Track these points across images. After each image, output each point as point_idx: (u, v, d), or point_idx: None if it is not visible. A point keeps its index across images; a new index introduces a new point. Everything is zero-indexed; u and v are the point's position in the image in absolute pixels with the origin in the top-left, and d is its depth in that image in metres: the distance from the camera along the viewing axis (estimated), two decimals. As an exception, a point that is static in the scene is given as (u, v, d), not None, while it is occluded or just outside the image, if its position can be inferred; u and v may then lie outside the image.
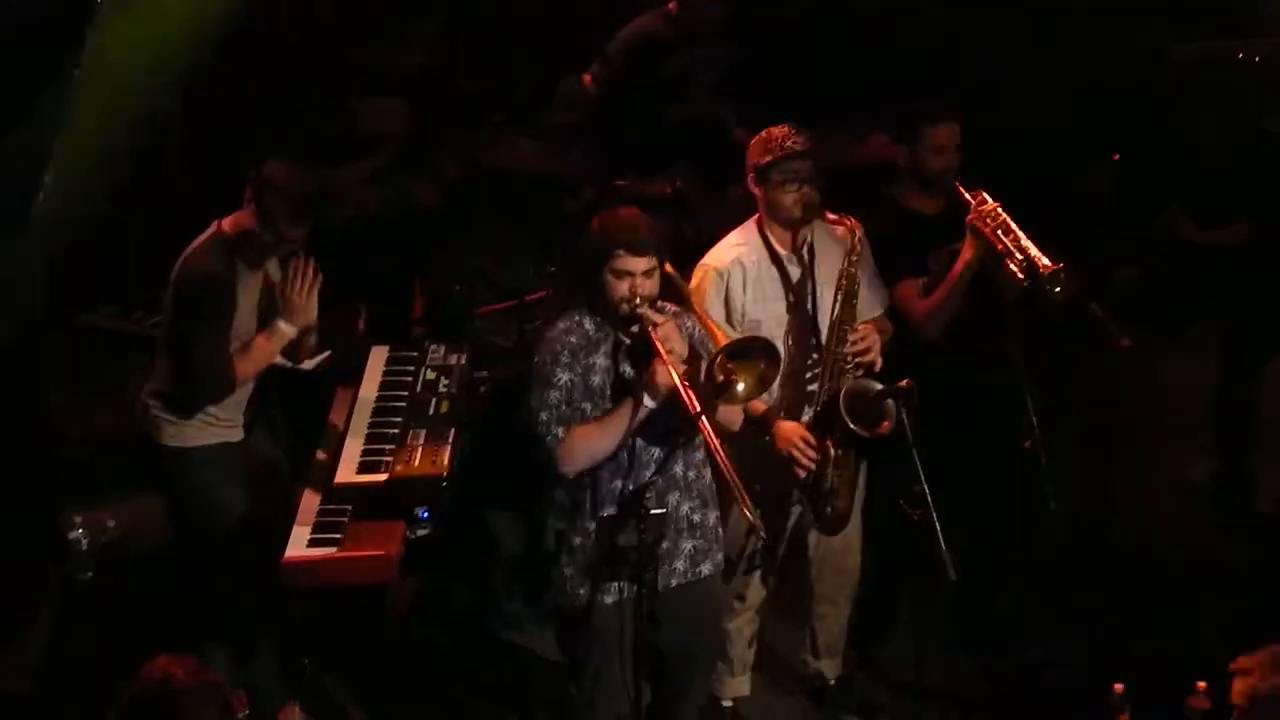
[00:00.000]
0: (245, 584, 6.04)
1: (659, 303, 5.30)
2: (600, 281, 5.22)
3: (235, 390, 5.89)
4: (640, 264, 5.17)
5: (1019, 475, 6.18)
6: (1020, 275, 5.94)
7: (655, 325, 5.12)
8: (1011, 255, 5.97)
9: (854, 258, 5.80)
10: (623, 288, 5.18)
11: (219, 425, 6.00)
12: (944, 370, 6.12)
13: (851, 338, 5.81)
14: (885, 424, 5.63)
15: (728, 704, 6.35)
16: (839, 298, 5.80)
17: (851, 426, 5.69)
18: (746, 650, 6.30)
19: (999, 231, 5.99)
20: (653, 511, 5.15)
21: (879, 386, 5.69)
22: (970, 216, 6.04)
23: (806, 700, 6.48)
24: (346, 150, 8.01)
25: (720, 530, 5.54)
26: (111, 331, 7.23)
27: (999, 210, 6.02)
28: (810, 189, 5.78)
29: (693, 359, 5.23)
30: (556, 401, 5.19)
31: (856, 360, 5.83)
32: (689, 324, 5.46)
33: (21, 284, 6.70)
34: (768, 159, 5.80)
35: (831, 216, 5.79)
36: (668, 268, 5.46)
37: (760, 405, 5.74)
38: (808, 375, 5.87)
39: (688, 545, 5.41)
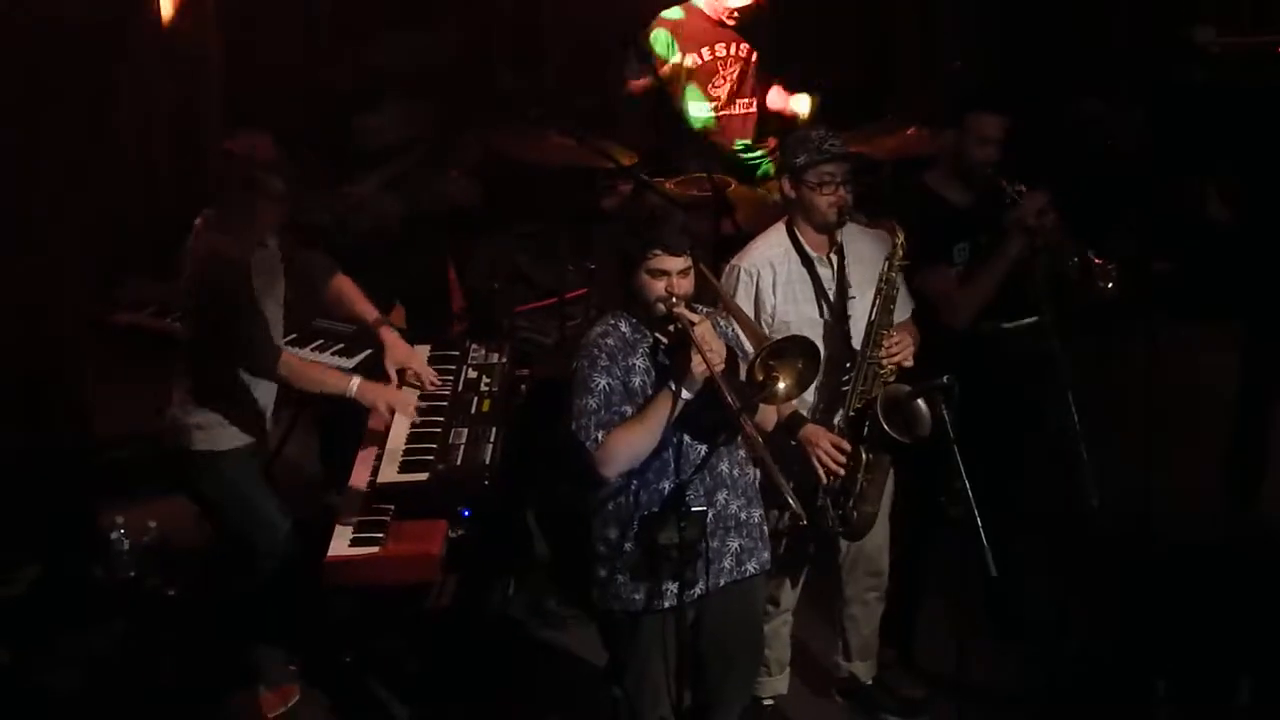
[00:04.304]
0: (286, 584, 6.07)
1: (693, 303, 5.31)
2: (636, 281, 5.23)
3: (277, 368, 5.93)
4: (676, 263, 5.17)
5: (1059, 471, 6.17)
6: (1072, 267, 5.99)
7: (693, 324, 5.12)
8: (1060, 250, 6.00)
9: (896, 263, 5.77)
10: (659, 287, 5.18)
11: (247, 426, 6.04)
12: (984, 366, 6.12)
13: (886, 343, 5.80)
14: (920, 430, 5.61)
15: (767, 702, 6.34)
16: (877, 302, 5.77)
17: (890, 432, 5.68)
18: (784, 650, 6.29)
19: (1049, 227, 6.02)
20: (694, 509, 5.15)
21: (912, 388, 5.67)
22: (1019, 212, 6.06)
23: (844, 701, 6.47)
24: (353, 165, 8.03)
25: (765, 529, 5.54)
26: (152, 331, 7.24)
27: (1049, 206, 6.03)
28: (846, 192, 5.76)
29: (730, 358, 5.23)
30: (595, 407, 5.19)
31: (891, 364, 5.81)
32: (724, 323, 5.46)
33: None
34: (804, 161, 5.79)
35: (868, 222, 5.78)
36: (702, 267, 5.46)
37: (788, 407, 5.73)
38: (839, 378, 5.86)
39: (734, 544, 5.41)
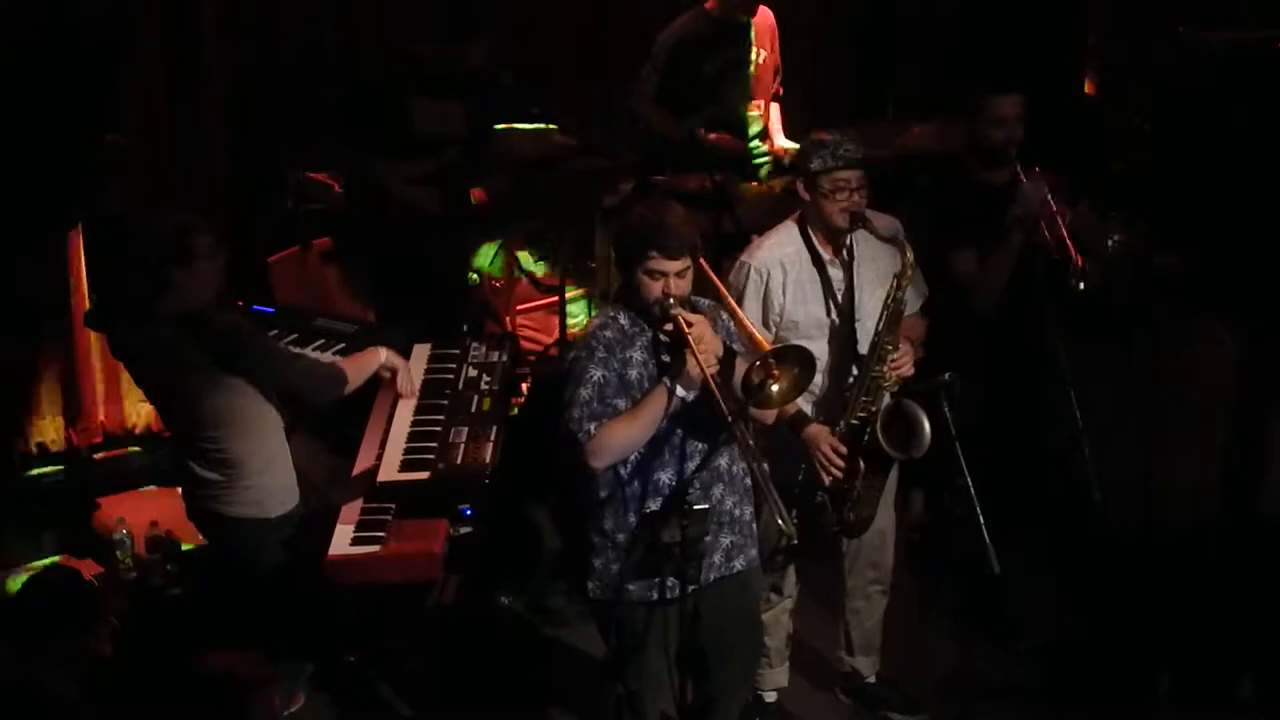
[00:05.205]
0: (290, 584, 6.07)
1: (693, 299, 5.31)
2: (634, 281, 5.23)
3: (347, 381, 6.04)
4: (674, 265, 5.16)
5: (1062, 467, 6.17)
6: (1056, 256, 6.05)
7: (689, 325, 5.12)
8: (1046, 241, 6.04)
9: (904, 281, 5.72)
10: (656, 288, 5.18)
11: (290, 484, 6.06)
12: (988, 363, 6.12)
13: (891, 357, 5.78)
14: (915, 450, 5.62)
15: (770, 699, 6.34)
16: (884, 317, 5.75)
17: (889, 452, 5.70)
18: (784, 642, 6.29)
19: (1046, 213, 6.06)
20: (695, 507, 5.15)
21: (912, 404, 5.67)
22: (1018, 204, 6.09)
23: (847, 699, 6.47)
24: (398, 148, 8.03)
25: (755, 526, 5.55)
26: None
27: (1048, 197, 6.05)
28: (859, 197, 5.74)
29: (726, 357, 5.24)
30: (587, 399, 5.19)
31: (895, 376, 5.80)
32: (724, 319, 5.46)
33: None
34: (818, 166, 5.76)
35: (879, 227, 5.75)
36: (703, 263, 5.46)
37: (792, 406, 5.73)
38: (845, 379, 5.85)
39: (726, 540, 5.42)
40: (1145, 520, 6.39)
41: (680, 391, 5.14)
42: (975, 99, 6.34)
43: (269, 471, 5.92)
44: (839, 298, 5.87)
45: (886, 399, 5.78)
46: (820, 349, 5.82)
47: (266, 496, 5.93)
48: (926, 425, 5.57)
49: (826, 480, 5.78)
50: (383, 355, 6.21)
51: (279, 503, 5.97)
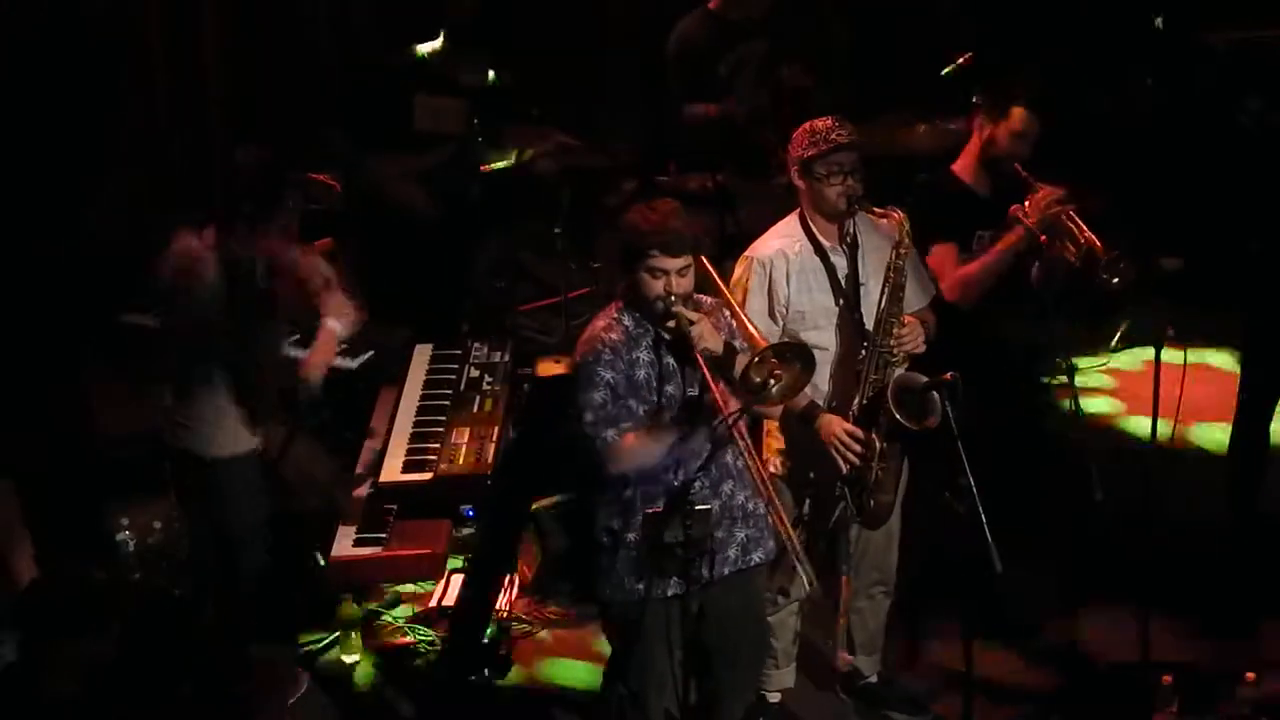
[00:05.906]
0: (291, 584, 6.08)
1: (696, 296, 5.32)
2: (636, 279, 5.24)
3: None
4: (674, 263, 5.18)
5: (1064, 466, 6.16)
6: (1073, 259, 5.99)
7: (691, 323, 5.14)
8: (1069, 239, 6.01)
9: (901, 250, 5.76)
10: (657, 286, 5.19)
11: (249, 431, 6.03)
12: (988, 362, 6.11)
13: (898, 331, 5.79)
14: (932, 418, 5.60)
15: (774, 699, 6.34)
16: (885, 290, 5.76)
17: (899, 419, 5.68)
18: (791, 644, 6.28)
19: (1061, 216, 6.03)
20: (698, 507, 5.14)
21: (925, 379, 5.66)
22: (1034, 198, 6.07)
23: (850, 698, 6.46)
24: (397, 147, 8.03)
25: (769, 518, 5.54)
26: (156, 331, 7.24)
27: (1063, 196, 6.04)
28: (854, 181, 5.75)
29: (728, 354, 5.25)
30: (602, 402, 5.20)
31: (902, 352, 5.80)
32: (727, 316, 5.47)
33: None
34: (812, 152, 5.76)
35: (877, 209, 5.77)
36: (704, 261, 5.46)
37: (803, 399, 5.73)
38: (856, 366, 5.85)
39: (741, 534, 5.43)
40: (1145, 520, 6.37)
41: (691, 391, 5.15)
42: (1003, 101, 6.30)
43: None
44: (844, 286, 5.86)
45: (895, 374, 5.79)
46: (829, 338, 5.83)
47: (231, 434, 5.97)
48: (936, 396, 5.56)
49: (844, 468, 5.78)
50: (332, 326, 6.17)
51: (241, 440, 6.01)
